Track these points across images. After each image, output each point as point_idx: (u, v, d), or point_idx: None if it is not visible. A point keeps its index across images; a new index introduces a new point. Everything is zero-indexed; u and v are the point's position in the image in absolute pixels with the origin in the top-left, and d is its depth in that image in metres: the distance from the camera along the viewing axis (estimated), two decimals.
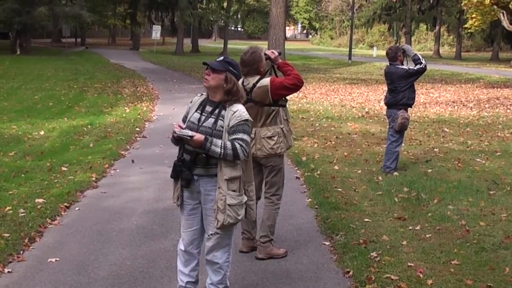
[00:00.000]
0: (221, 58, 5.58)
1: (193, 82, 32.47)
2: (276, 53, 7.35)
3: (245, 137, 5.37)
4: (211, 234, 5.55)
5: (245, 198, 5.49)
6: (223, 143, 5.27)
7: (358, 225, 8.32)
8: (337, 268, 6.98)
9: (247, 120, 5.41)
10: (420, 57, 11.34)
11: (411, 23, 70.13)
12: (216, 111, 5.46)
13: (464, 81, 35.72)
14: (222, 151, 5.25)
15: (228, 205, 5.34)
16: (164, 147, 13.35)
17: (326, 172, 11.66)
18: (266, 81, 7.01)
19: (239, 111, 5.42)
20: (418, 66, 11.25)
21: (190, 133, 5.26)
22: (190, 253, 5.75)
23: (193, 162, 5.39)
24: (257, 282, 6.57)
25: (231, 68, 5.47)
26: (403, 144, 12.37)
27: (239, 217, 5.43)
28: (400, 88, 11.34)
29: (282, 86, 7.01)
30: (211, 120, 5.43)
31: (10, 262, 6.90)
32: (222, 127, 5.37)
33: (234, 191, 5.36)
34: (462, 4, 51.68)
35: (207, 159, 5.34)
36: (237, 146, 5.28)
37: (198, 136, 5.24)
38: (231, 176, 5.36)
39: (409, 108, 11.64)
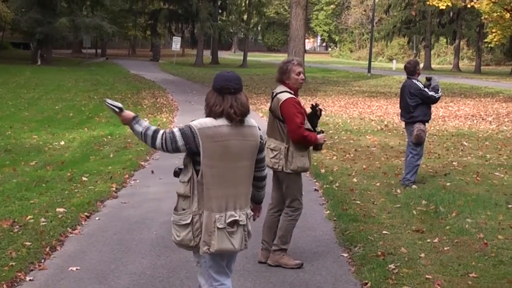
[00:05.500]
0: None
1: None
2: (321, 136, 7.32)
3: (175, 129, 4.90)
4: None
5: (185, 220, 4.89)
6: (150, 126, 4.96)
7: (376, 237, 8.35)
8: (355, 280, 7.02)
9: (189, 125, 4.85)
10: (439, 89, 11.40)
11: (430, 36, 70.17)
12: None
13: (483, 95, 35.57)
14: (143, 131, 4.92)
15: (172, 221, 5.02)
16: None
17: (345, 184, 11.70)
18: (284, 96, 7.09)
19: None
20: (432, 93, 11.28)
21: (119, 105, 4.96)
22: None
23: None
24: None
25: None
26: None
27: (178, 239, 4.94)
28: (411, 102, 11.35)
29: (288, 118, 7.07)
30: None
31: (32, 270, 7.00)
32: None
33: (181, 209, 4.92)
34: (482, 18, 51.66)
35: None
36: (161, 132, 4.90)
37: (128, 113, 4.96)
38: (179, 192, 4.97)
39: (426, 123, 11.65)
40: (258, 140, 5.03)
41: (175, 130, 4.88)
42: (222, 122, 4.84)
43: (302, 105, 7.19)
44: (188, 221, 4.88)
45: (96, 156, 14.01)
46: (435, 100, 11.46)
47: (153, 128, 4.94)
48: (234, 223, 4.90)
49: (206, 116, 4.91)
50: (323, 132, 7.39)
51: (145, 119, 20.34)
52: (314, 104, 7.43)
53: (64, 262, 7.31)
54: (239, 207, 4.96)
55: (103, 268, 7.17)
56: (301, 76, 7.20)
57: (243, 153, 4.93)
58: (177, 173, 5.05)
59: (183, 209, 4.91)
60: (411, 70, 11.48)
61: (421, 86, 11.33)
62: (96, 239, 8.24)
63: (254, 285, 6.76)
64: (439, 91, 11.40)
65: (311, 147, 7.30)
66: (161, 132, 4.91)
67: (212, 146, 4.79)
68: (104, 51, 77.60)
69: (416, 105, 11.36)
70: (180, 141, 4.84)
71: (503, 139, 18.33)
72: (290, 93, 7.14)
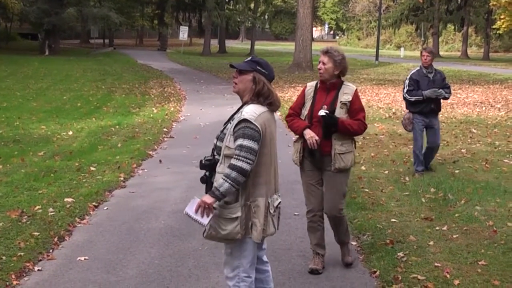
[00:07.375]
0: (249, 58, 5.05)
1: (221, 83, 32.53)
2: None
3: (245, 142, 4.70)
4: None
5: (235, 213, 4.83)
6: (224, 172, 4.71)
7: (385, 225, 8.33)
8: (364, 268, 7.01)
9: (245, 120, 4.75)
10: (425, 96, 11.03)
11: (438, 23, 69.72)
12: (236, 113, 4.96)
13: (492, 82, 35.34)
14: (230, 182, 4.67)
15: (216, 214, 4.89)
16: (192, 148, 13.40)
17: (353, 172, 11.56)
18: None
19: (244, 109, 4.86)
20: (407, 94, 11.17)
21: (202, 221, 4.88)
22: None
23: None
24: (283, 281, 6.60)
25: (259, 68, 4.91)
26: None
27: (223, 232, 4.86)
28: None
29: None
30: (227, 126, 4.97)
31: (40, 260, 7.02)
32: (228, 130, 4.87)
33: (224, 202, 4.82)
34: (490, 5, 51.39)
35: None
36: (234, 162, 4.70)
37: (206, 198, 4.82)
38: None
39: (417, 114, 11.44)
40: None
41: (245, 142, 4.70)
42: (264, 108, 4.90)
43: (303, 93, 6.99)
44: (239, 213, 4.82)
45: (104, 146, 14.01)
46: (405, 99, 11.33)
47: (227, 170, 4.69)
48: (277, 205, 5.02)
49: (250, 102, 4.91)
50: (330, 117, 6.50)
51: (153, 108, 20.36)
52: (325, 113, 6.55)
53: (73, 252, 7.32)
54: (277, 189, 5.07)
55: (111, 258, 7.17)
56: (320, 65, 6.69)
57: (275, 136, 5.03)
58: (205, 166, 4.95)
59: (227, 203, 4.82)
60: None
61: (408, 76, 11.24)
62: (104, 229, 8.24)
63: None
64: (424, 96, 11.03)
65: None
66: (233, 162, 4.68)
67: (265, 133, 4.84)
68: (112, 41, 77.63)
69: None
70: (257, 147, 4.76)
71: None
72: (317, 82, 6.88)
